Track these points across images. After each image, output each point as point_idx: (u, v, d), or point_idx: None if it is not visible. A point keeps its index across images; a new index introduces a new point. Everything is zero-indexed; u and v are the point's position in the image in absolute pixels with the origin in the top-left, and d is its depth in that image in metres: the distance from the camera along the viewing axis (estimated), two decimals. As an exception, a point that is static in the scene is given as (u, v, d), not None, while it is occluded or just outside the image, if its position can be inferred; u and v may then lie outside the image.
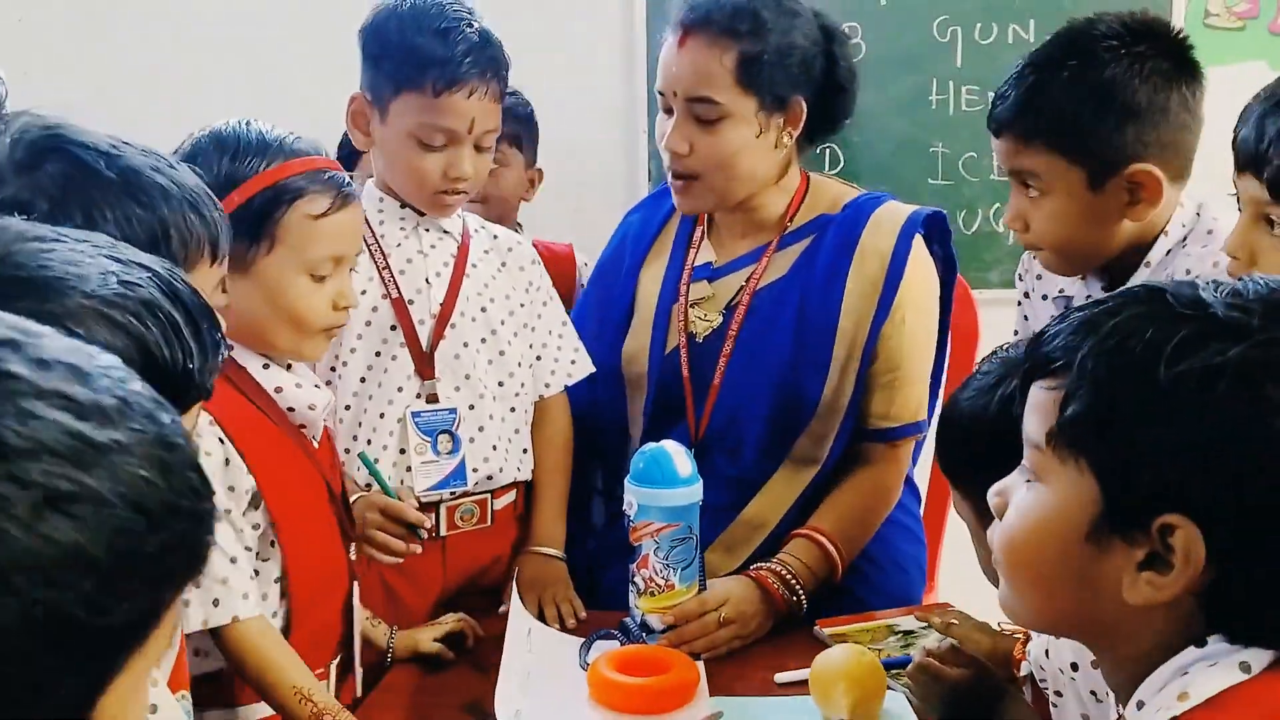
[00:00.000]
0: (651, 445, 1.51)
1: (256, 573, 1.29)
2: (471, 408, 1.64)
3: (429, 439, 1.62)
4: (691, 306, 1.75)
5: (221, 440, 1.24)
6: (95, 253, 0.78)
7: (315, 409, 1.35)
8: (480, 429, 1.65)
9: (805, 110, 1.66)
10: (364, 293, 1.59)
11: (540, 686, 1.38)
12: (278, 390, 1.32)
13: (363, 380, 1.61)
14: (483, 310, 1.67)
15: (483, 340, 1.67)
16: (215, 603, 1.21)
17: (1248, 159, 1.19)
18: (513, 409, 1.70)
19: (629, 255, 1.82)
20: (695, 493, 1.49)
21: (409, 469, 1.61)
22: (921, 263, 1.70)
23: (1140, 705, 0.79)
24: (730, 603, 1.51)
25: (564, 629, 1.57)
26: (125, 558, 0.51)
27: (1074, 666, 1.06)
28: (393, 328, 1.61)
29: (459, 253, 1.67)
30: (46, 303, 0.72)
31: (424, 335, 1.63)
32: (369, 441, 1.60)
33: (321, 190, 1.31)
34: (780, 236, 1.72)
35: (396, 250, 1.64)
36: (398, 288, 1.62)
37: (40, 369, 0.52)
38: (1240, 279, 0.81)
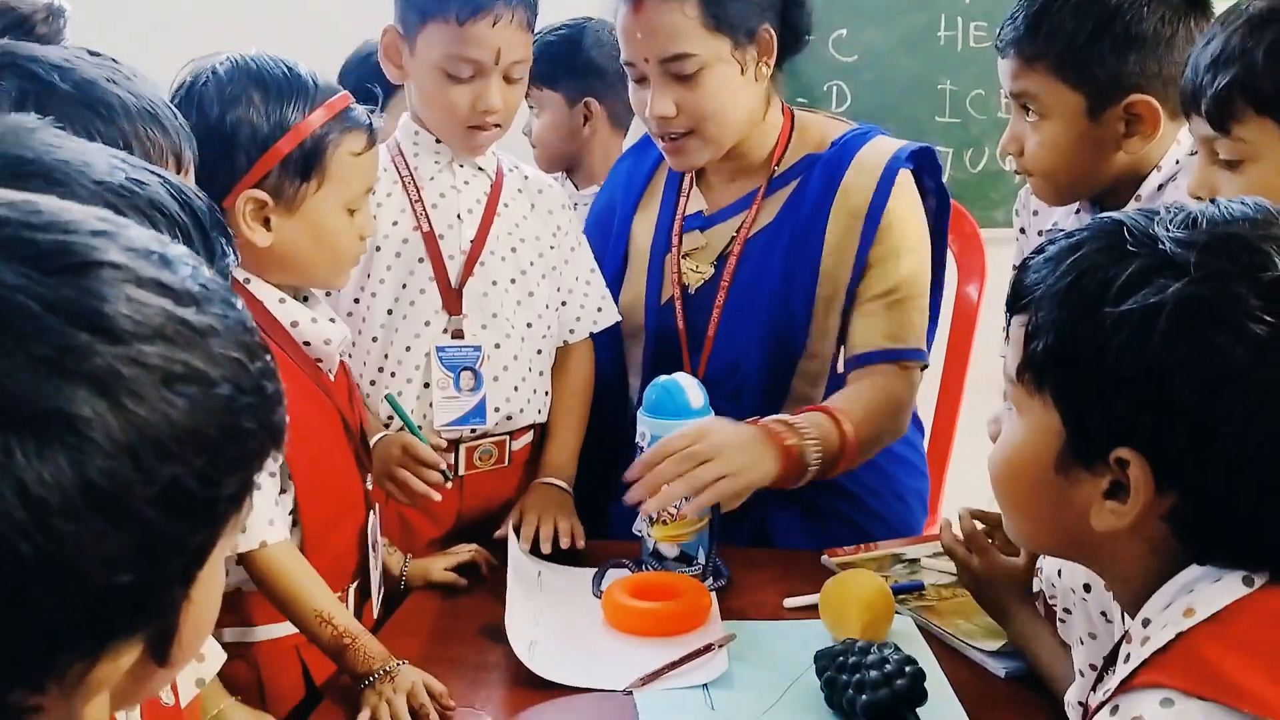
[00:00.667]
0: (664, 377, 1.53)
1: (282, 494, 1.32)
2: (497, 346, 1.65)
3: (452, 375, 1.63)
4: (684, 257, 1.75)
5: None
6: (103, 151, 0.78)
7: (331, 343, 1.37)
8: (505, 368, 1.66)
9: (775, 36, 1.64)
10: (395, 224, 1.61)
11: (553, 620, 1.41)
12: (294, 324, 1.34)
13: (389, 312, 1.62)
14: (513, 250, 1.67)
15: (512, 280, 1.67)
16: (243, 529, 1.24)
17: (1189, 99, 1.21)
18: (539, 350, 1.71)
19: (620, 205, 1.82)
20: (706, 424, 1.51)
21: (430, 404, 1.62)
22: (907, 195, 1.68)
23: (1146, 622, 0.81)
24: (708, 437, 1.40)
25: (557, 555, 1.57)
26: (228, 434, 0.54)
27: (1086, 588, 1.09)
28: (420, 260, 1.62)
29: (491, 191, 1.67)
30: (54, 185, 0.72)
31: (453, 271, 1.63)
32: (393, 374, 1.62)
33: (358, 128, 1.36)
34: (769, 180, 1.71)
35: (430, 184, 1.64)
36: (429, 221, 1.63)
37: (135, 256, 0.54)
38: (1203, 207, 0.82)
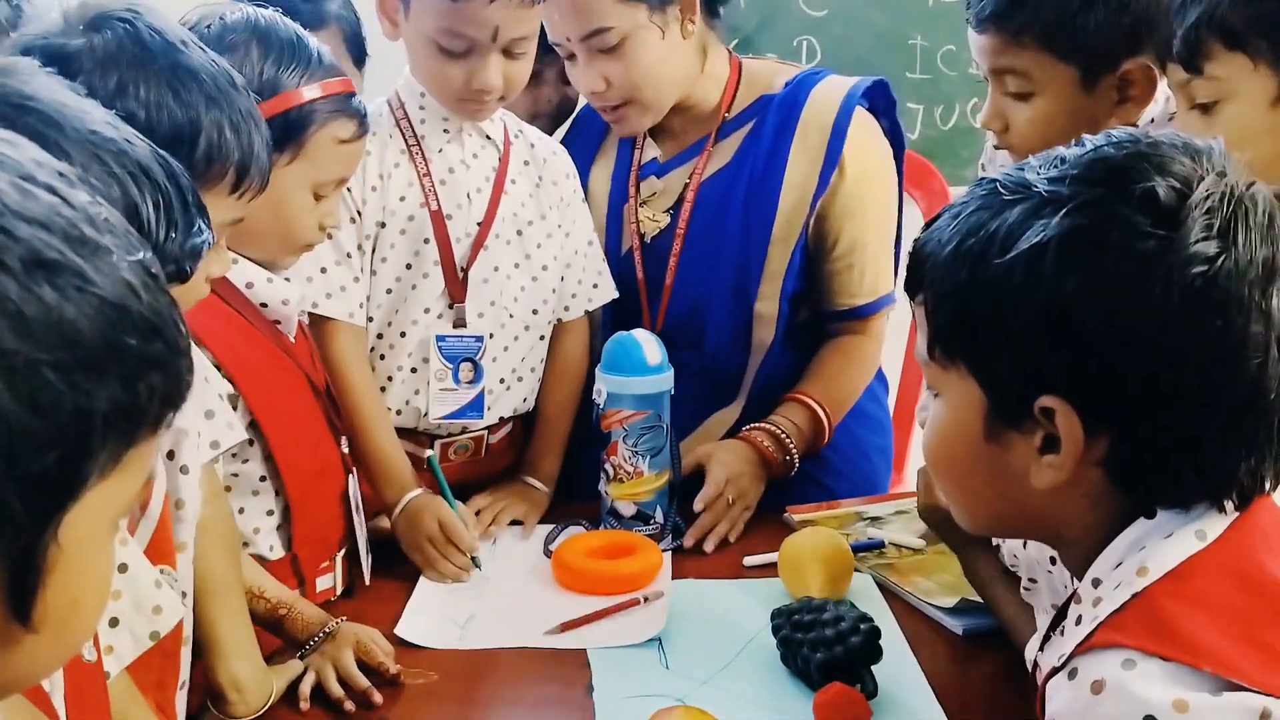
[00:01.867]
0: (621, 333, 1.51)
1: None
2: (492, 336, 1.56)
3: (451, 366, 1.54)
4: (642, 205, 1.72)
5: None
6: (100, 109, 0.78)
7: (289, 303, 1.31)
8: (504, 355, 1.58)
9: None
10: (403, 199, 1.51)
11: (499, 586, 1.39)
12: (249, 285, 1.29)
13: (388, 291, 1.52)
14: (519, 234, 1.58)
15: (515, 265, 1.58)
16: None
17: (1162, 47, 1.18)
18: (542, 336, 1.64)
19: (577, 157, 1.75)
20: (665, 381, 1.49)
21: (416, 392, 1.55)
22: (867, 132, 1.66)
23: (1097, 582, 0.79)
24: (730, 480, 1.53)
25: None
26: (105, 345, 0.51)
27: (1053, 560, 1.07)
28: (427, 241, 1.52)
29: (499, 165, 1.58)
30: (49, 127, 0.73)
31: (459, 255, 1.53)
32: (382, 357, 1.54)
33: (350, 116, 1.30)
34: (720, 125, 1.68)
35: (438, 157, 1.54)
36: (438, 199, 1.53)
37: (40, 166, 0.53)
38: (1070, 145, 0.81)
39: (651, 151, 1.73)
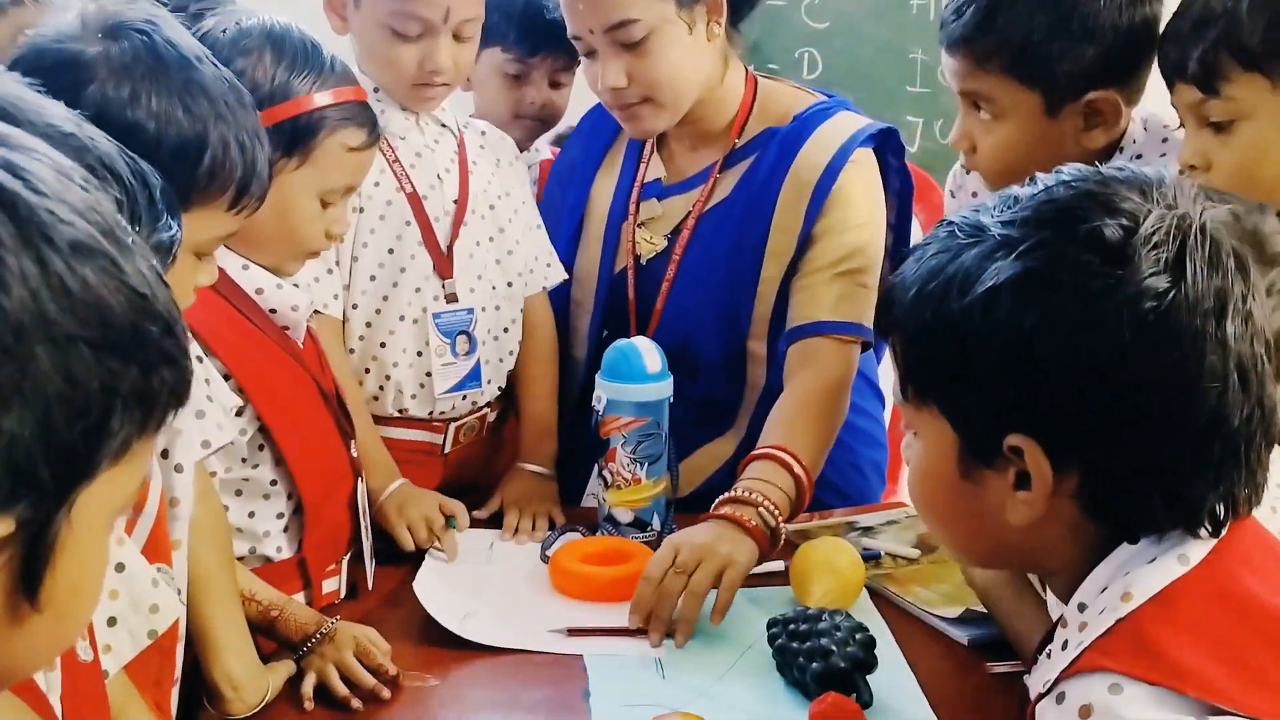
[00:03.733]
0: (622, 341, 1.51)
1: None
2: (483, 309, 1.61)
3: (448, 341, 1.58)
4: (639, 226, 1.71)
5: (200, 359, 1.19)
6: (61, 107, 0.78)
7: (299, 309, 1.32)
8: (494, 326, 1.63)
9: None
10: (377, 185, 1.54)
11: (497, 589, 1.40)
12: (258, 291, 1.29)
13: (372, 278, 1.55)
14: (490, 208, 1.64)
15: (490, 239, 1.63)
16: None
17: (1171, 68, 1.20)
18: (520, 310, 1.68)
19: (580, 165, 1.78)
20: (664, 389, 1.50)
21: (428, 373, 1.57)
22: (861, 171, 1.60)
23: (1082, 607, 0.80)
24: (682, 550, 1.30)
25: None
26: (132, 331, 0.55)
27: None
28: (408, 223, 1.56)
29: (459, 148, 1.63)
30: (5, 118, 0.72)
31: (441, 233, 1.58)
32: (383, 344, 1.56)
33: (361, 125, 1.31)
34: (726, 155, 1.66)
35: (402, 144, 1.58)
36: (411, 182, 1.57)
37: (63, 173, 0.55)
38: (1023, 187, 0.83)
39: (656, 171, 1.72)
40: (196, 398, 1.13)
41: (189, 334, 0.61)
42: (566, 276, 1.74)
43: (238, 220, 1.05)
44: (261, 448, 1.29)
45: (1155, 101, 1.39)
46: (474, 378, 1.61)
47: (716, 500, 1.39)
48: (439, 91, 1.57)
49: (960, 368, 0.80)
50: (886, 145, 1.67)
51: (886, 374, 1.86)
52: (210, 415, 1.15)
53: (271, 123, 1.24)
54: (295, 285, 1.35)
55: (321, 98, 1.28)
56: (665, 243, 1.69)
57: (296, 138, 1.27)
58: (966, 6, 1.38)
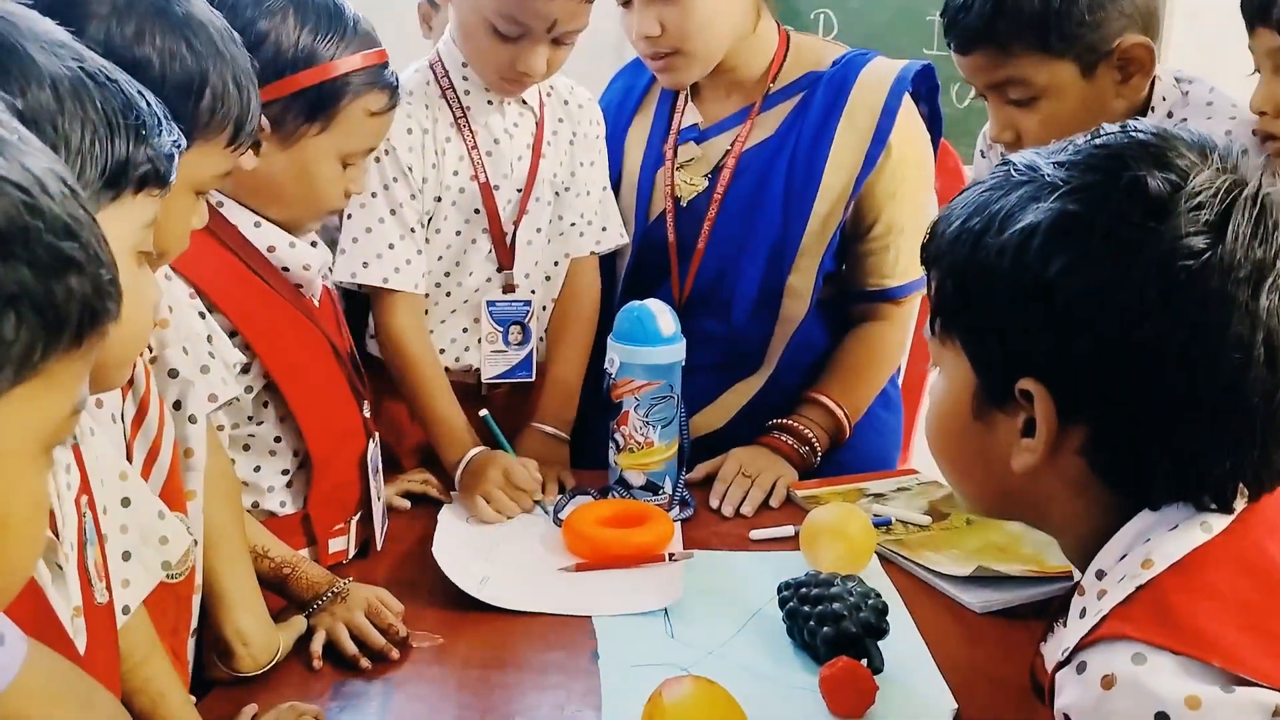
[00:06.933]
0: (635, 303, 1.51)
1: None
2: (533, 292, 1.64)
3: (501, 329, 1.61)
4: (679, 169, 1.72)
5: (203, 315, 1.18)
6: (50, 24, 0.77)
7: (311, 268, 1.32)
8: (541, 314, 1.66)
9: None
10: (456, 174, 1.56)
11: (510, 552, 1.40)
12: (270, 249, 1.29)
13: (439, 259, 1.58)
14: (556, 195, 1.64)
15: (549, 223, 1.64)
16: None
17: (1256, 12, 1.19)
18: (570, 270, 1.70)
19: (612, 123, 1.78)
20: (677, 352, 1.49)
21: (466, 349, 1.62)
22: (911, 116, 1.68)
23: (1101, 574, 0.79)
24: (745, 464, 1.57)
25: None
26: (12, 226, 0.51)
27: None
28: (477, 211, 1.57)
29: (536, 131, 1.62)
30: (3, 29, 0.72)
31: (504, 221, 1.59)
32: (442, 321, 1.60)
33: (382, 89, 1.31)
34: (765, 96, 1.69)
35: (484, 129, 1.58)
36: (485, 173, 1.57)
37: None
38: (1086, 134, 0.81)
39: (692, 117, 1.74)
40: (200, 353, 1.13)
41: (106, 250, 0.57)
42: (623, 243, 1.73)
43: (233, 158, 1.04)
44: (266, 404, 1.28)
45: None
46: (525, 367, 1.63)
47: (771, 423, 1.66)
48: (527, 87, 1.57)
49: (984, 305, 0.80)
50: (919, 89, 1.72)
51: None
52: (214, 370, 1.14)
53: (296, 89, 1.24)
54: (312, 244, 1.35)
55: (345, 63, 1.26)
56: (706, 183, 1.71)
57: (320, 104, 1.26)
58: (972, 2, 1.38)
